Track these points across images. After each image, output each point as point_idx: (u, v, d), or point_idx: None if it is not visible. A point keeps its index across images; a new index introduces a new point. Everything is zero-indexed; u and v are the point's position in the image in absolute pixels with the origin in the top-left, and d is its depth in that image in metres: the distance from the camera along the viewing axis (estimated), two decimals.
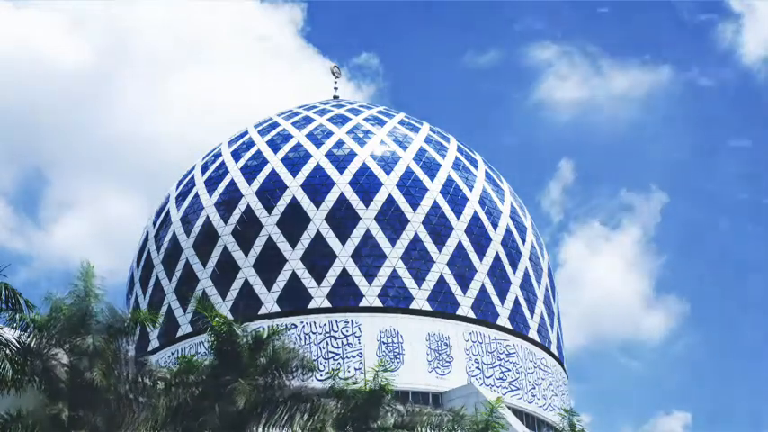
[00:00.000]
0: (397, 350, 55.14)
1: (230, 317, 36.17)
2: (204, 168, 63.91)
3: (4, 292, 27.22)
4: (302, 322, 55.22)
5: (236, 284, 57.13)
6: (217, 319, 32.61)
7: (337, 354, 54.70)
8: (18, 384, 28.70)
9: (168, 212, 63.19)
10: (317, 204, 57.83)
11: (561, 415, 44.79)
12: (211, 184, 61.66)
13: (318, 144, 61.13)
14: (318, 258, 56.68)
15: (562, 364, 63.39)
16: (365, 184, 58.75)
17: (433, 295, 56.94)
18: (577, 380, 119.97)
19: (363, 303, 55.99)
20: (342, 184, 58.58)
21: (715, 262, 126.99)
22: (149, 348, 57.27)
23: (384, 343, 55.18)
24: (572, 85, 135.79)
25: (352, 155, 60.27)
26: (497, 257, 60.13)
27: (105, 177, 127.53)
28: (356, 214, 57.61)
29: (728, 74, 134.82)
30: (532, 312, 61.14)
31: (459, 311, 57.27)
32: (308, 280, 56.26)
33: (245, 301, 55.80)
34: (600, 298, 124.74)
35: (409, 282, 56.75)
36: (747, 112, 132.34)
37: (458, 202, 60.28)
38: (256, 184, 59.63)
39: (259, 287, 56.62)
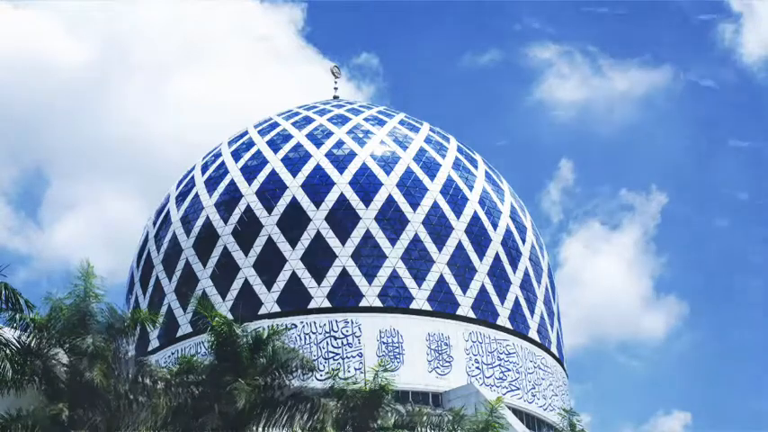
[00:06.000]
0: (397, 350, 55.13)
1: (230, 317, 36.11)
2: (204, 168, 63.91)
3: (4, 292, 27.27)
4: (302, 322, 55.21)
5: (236, 284, 57.12)
6: (217, 319, 32.61)
7: (337, 354, 54.69)
8: (18, 384, 28.70)
9: (168, 212, 63.19)
10: (317, 204, 57.83)
11: (561, 415, 44.90)
12: (211, 184, 61.65)
13: (318, 144, 61.13)
14: (318, 258, 56.67)
15: (562, 364, 63.38)
16: (365, 184, 58.75)
17: (433, 295, 56.93)
18: (577, 380, 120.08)
19: (363, 303, 55.97)
20: (342, 184, 58.58)
21: (715, 262, 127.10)
22: (149, 348, 57.28)
23: (384, 343, 55.17)
24: (572, 85, 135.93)
25: (352, 155, 60.27)
26: (497, 257, 60.13)
27: (105, 177, 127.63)
28: (356, 214, 57.60)
29: (728, 74, 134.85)
30: (532, 312, 61.14)
31: (459, 311, 57.26)
32: (308, 280, 56.25)
33: (245, 301, 55.73)
34: (600, 298, 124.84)
35: (409, 282, 56.73)
36: (747, 112, 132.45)
37: (458, 202, 60.28)
38: (256, 184, 59.62)
39: (259, 287, 56.61)
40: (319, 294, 55.95)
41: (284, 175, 59.43)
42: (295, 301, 56.02)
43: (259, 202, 58.76)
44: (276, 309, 55.81)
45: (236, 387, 30.43)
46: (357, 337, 55.10)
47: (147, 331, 47.66)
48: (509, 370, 57.79)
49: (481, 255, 59.35)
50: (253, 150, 62.20)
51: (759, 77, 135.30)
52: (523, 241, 62.95)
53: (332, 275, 56.29)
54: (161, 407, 29.87)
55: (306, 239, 57.00)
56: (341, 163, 59.67)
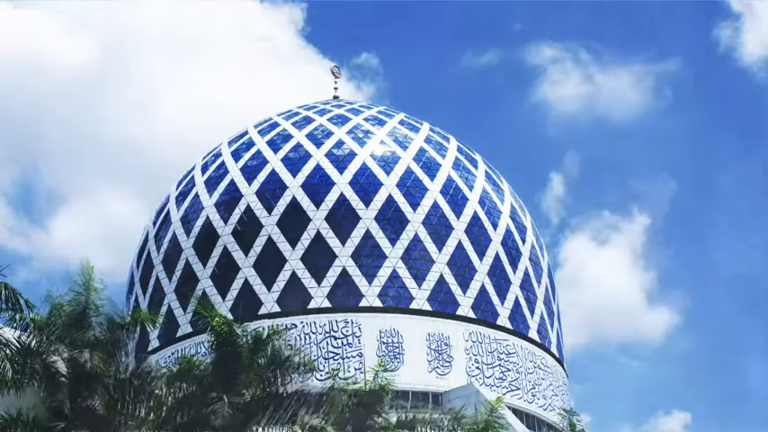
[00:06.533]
0: (397, 350, 55.13)
1: (230, 317, 36.09)
2: (204, 168, 63.91)
3: (4, 292, 27.23)
4: (302, 322, 55.21)
5: (236, 284, 57.12)
6: (217, 319, 32.57)
7: (337, 354, 54.69)
8: (18, 384, 28.66)
9: (168, 212, 63.19)
10: (317, 204, 57.82)
11: (561, 415, 44.88)
12: (211, 184, 61.65)
13: (318, 144, 61.13)
14: (318, 258, 56.66)
15: (562, 364, 63.38)
16: (365, 184, 58.74)
17: (433, 295, 56.93)
18: (577, 380, 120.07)
19: (363, 303, 55.97)
20: (342, 184, 58.58)
21: (715, 261, 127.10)
22: (149, 348, 57.27)
23: (384, 343, 55.17)
24: (571, 86, 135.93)
25: (352, 155, 60.26)
26: (497, 257, 60.12)
27: (105, 177, 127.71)
28: (356, 214, 57.60)
29: (728, 74, 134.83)
30: (532, 312, 61.14)
31: (460, 311, 57.26)
32: (308, 280, 56.25)
33: (245, 301, 55.77)
34: (600, 298, 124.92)
35: (409, 282, 56.73)
36: (747, 111, 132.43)
37: (458, 202, 60.27)
38: (256, 184, 59.62)
39: (259, 287, 56.61)
40: (319, 294, 55.95)
41: (284, 175, 59.43)
42: (295, 301, 56.02)
43: (259, 202, 58.76)
44: (276, 309, 55.81)
45: (242, 379, 30.46)
46: (357, 337, 55.10)
47: (147, 331, 47.70)
48: (509, 370, 57.78)
49: (481, 255, 59.34)
50: (253, 150, 62.20)
51: (759, 77, 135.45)
52: (523, 241, 62.94)
53: (332, 275, 56.28)
54: (165, 396, 29.83)
55: (306, 239, 57.00)
56: (341, 163, 59.66)
